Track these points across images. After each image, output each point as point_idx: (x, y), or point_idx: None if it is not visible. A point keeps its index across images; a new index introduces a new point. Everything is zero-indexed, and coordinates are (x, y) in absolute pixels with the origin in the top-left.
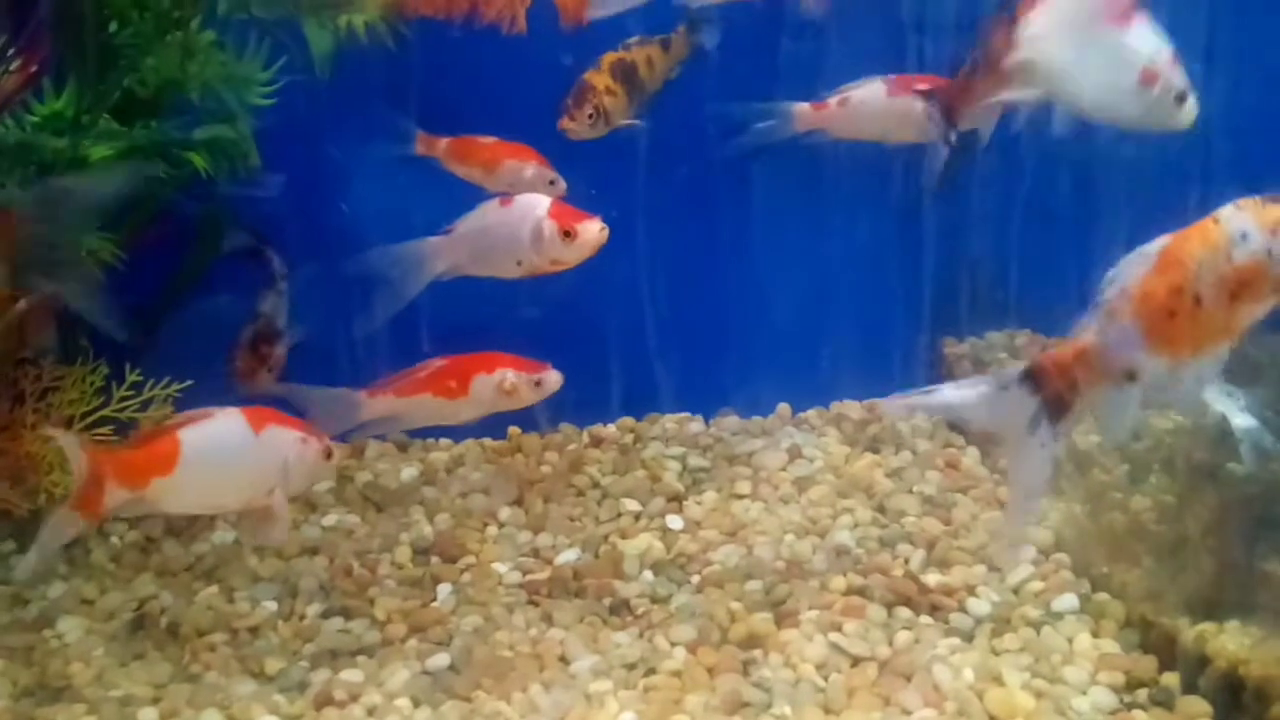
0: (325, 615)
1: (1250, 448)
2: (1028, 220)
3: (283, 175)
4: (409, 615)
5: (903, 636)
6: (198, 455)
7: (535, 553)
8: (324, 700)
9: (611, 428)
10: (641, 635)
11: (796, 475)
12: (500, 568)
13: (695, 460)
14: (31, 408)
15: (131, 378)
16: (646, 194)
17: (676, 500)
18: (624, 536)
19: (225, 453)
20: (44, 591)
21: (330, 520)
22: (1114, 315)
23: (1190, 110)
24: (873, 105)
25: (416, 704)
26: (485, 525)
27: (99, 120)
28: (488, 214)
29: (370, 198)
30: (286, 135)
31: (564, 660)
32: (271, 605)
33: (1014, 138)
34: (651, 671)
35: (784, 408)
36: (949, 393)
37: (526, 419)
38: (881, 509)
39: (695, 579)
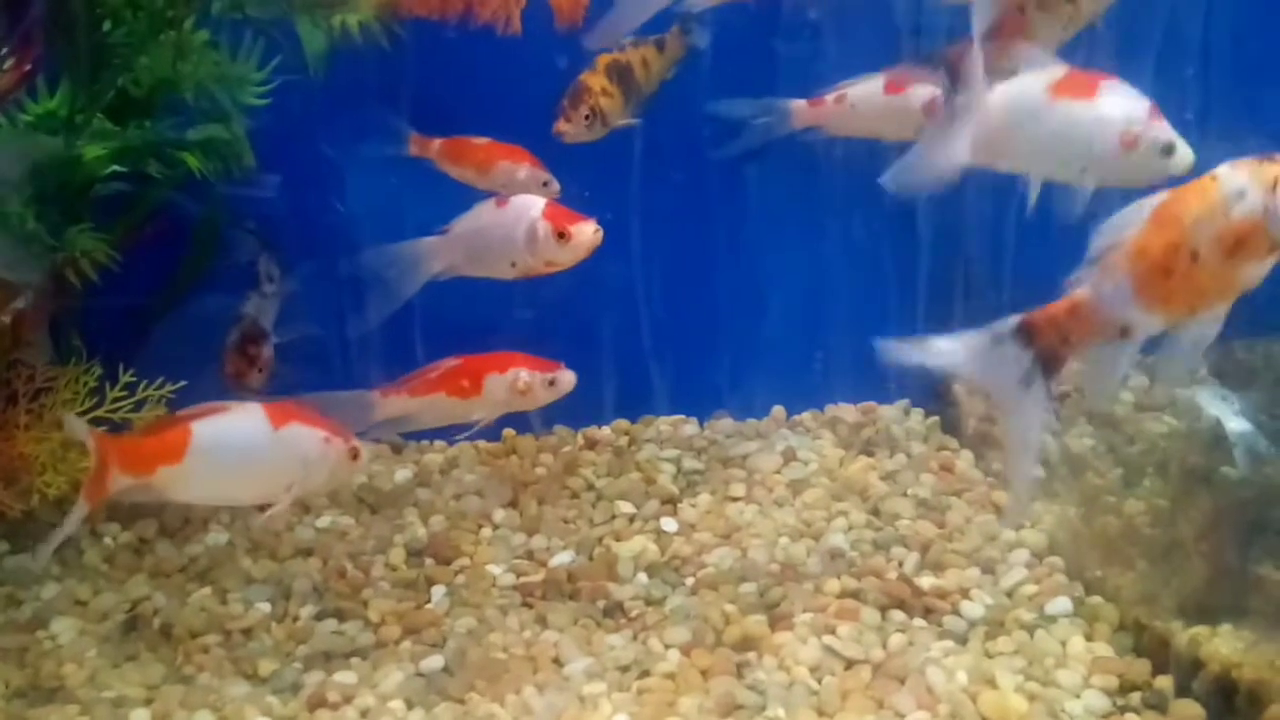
0: (319, 617)
1: (1244, 452)
2: (1023, 222)
3: (279, 175)
4: (403, 617)
5: (896, 639)
6: (209, 446)
7: (529, 555)
8: (317, 702)
9: (606, 430)
10: (635, 637)
11: (791, 478)
12: (494, 570)
13: (690, 463)
14: (25, 409)
15: (125, 378)
16: (641, 196)
17: (671, 503)
18: (618, 539)
19: (239, 446)
20: (37, 592)
21: (324, 522)
22: (1109, 271)
23: (1183, 157)
24: (870, 102)
25: (410, 706)
26: (479, 527)
27: (92, 119)
28: (483, 215)
29: (364, 198)
30: (281, 135)
31: (558, 662)
32: (265, 607)
33: None
34: (645, 674)
35: (779, 410)
36: (943, 344)
37: (521, 421)
38: (876, 512)
39: (689, 581)
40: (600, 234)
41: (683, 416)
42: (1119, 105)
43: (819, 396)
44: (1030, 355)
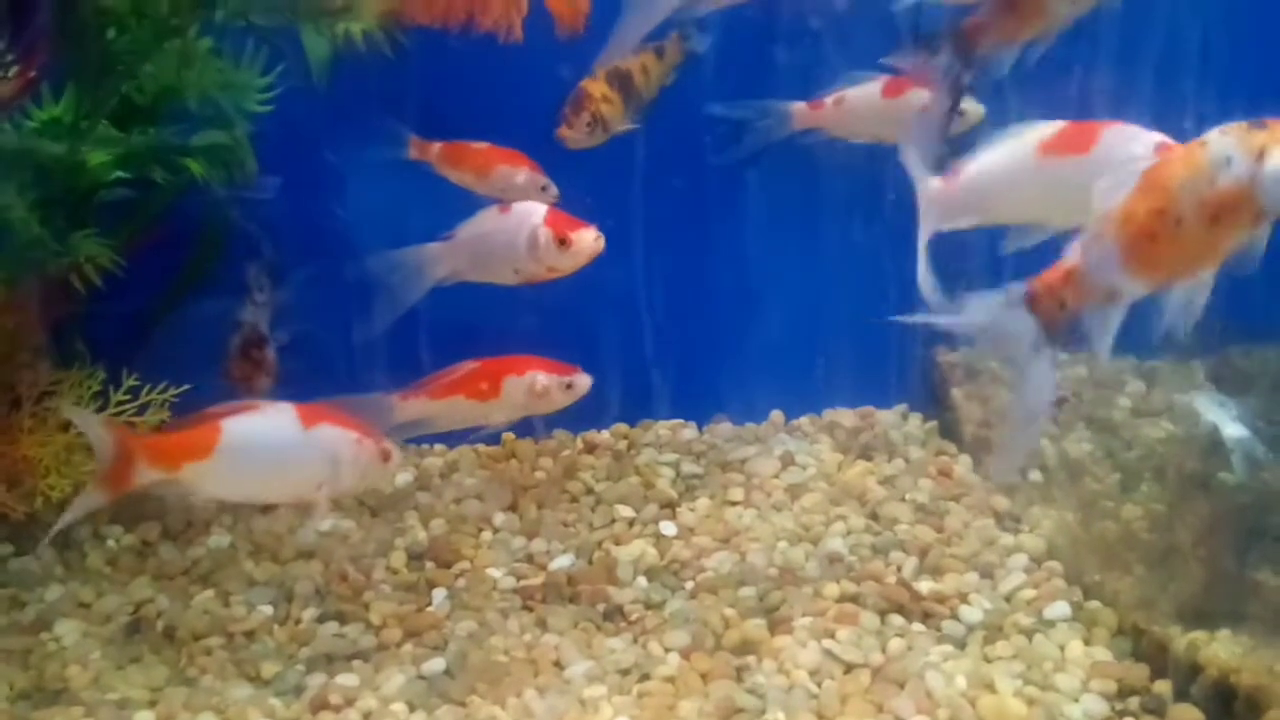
0: (321, 619)
1: (1241, 457)
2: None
3: (278, 178)
4: (404, 620)
5: (895, 643)
6: (238, 444)
7: (529, 558)
8: (320, 704)
9: (605, 434)
10: (635, 641)
11: (789, 482)
12: (495, 573)
13: (689, 467)
14: (29, 411)
15: (129, 382)
16: (639, 201)
17: (670, 507)
18: (618, 542)
19: (269, 445)
20: (41, 594)
21: (325, 525)
22: (1098, 236)
23: None
24: (868, 105)
25: (412, 708)
26: (480, 531)
27: (97, 126)
28: (486, 221)
29: (367, 203)
30: (284, 141)
31: (558, 665)
32: (267, 609)
33: None
34: (646, 677)
35: (777, 415)
36: (960, 309)
37: (522, 425)
38: (874, 516)
39: (689, 585)
40: (601, 241)
41: (681, 421)
42: (1118, 150)
43: (817, 401)
44: (1035, 321)
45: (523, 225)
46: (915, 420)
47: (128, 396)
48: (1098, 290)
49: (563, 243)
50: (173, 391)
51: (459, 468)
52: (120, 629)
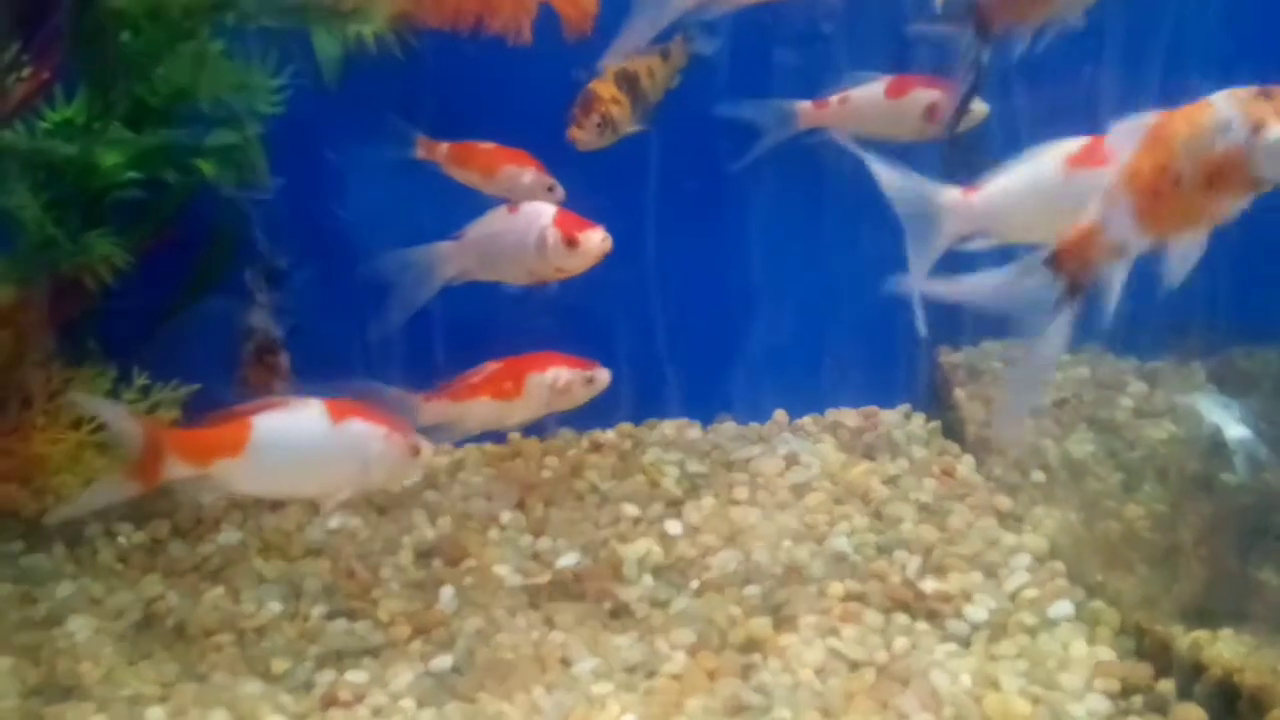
0: (330, 616)
1: (1244, 458)
2: None
3: (283, 178)
4: (412, 617)
5: (900, 642)
6: (269, 440)
7: (536, 556)
8: (330, 700)
9: (610, 433)
10: (642, 639)
11: (793, 481)
12: (501, 571)
13: (693, 466)
14: (40, 410)
15: (139, 381)
16: (647, 202)
17: (675, 505)
18: (623, 541)
19: (299, 441)
20: (52, 591)
21: (334, 523)
22: (1113, 193)
23: None
24: (873, 104)
25: (421, 705)
26: (486, 529)
27: (110, 127)
28: (495, 221)
29: (377, 203)
30: (295, 142)
31: (565, 663)
32: (277, 606)
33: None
34: (652, 674)
35: (781, 414)
36: (973, 280)
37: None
38: (878, 516)
39: (694, 584)
40: (609, 241)
41: (686, 420)
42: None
43: (820, 401)
44: (1061, 281)
45: (531, 225)
46: (918, 420)
47: (139, 395)
48: (1114, 245)
49: (571, 243)
50: (184, 390)
51: (465, 466)
52: (132, 625)
